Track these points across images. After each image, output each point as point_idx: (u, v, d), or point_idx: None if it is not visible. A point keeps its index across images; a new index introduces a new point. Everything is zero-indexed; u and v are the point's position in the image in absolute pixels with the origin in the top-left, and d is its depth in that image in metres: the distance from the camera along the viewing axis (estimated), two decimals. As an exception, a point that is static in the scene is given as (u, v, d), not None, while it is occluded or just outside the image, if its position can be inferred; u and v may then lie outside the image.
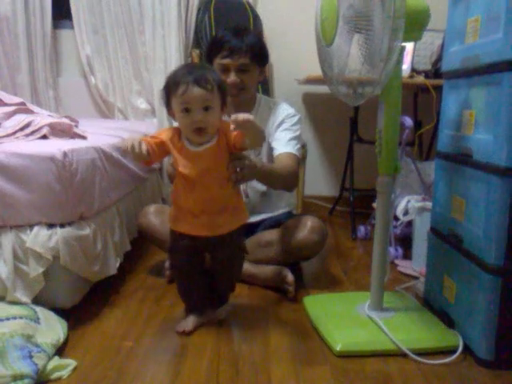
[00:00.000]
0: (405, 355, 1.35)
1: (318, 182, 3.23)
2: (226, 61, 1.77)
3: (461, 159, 1.50)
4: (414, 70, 2.70)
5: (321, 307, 1.61)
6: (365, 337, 1.41)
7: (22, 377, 1.10)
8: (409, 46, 2.63)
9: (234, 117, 1.24)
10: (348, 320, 1.51)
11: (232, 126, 1.27)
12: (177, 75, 1.31)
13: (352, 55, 1.44)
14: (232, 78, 1.77)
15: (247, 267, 1.81)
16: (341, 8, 1.38)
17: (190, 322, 1.49)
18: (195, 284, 1.53)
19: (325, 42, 1.47)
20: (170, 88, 1.31)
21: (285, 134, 1.89)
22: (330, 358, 1.35)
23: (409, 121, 2.11)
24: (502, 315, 1.30)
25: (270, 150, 1.92)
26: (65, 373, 1.21)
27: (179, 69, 1.35)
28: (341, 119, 3.01)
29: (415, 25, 1.36)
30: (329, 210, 3.14)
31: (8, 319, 1.28)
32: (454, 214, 1.52)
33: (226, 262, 1.52)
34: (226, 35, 1.77)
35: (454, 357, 1.34)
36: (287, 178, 1.80)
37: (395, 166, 1.48)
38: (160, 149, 1.36)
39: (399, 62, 1.41)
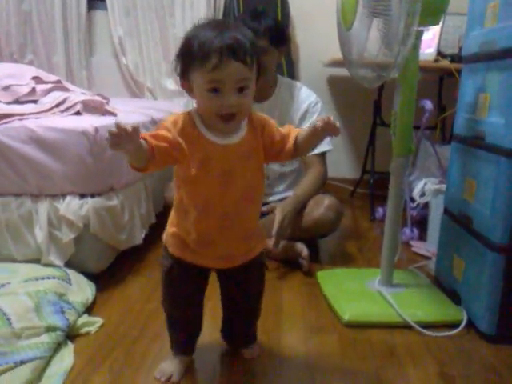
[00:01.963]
0: (410, 327, 1.42)
1: (340, 164, 3.27)
2: None
3: (474, 142, 1.53)
4: (440, 54, 2.70)
5: (333, 281, 1.69)
6: (372, 309, 1.48)
7: (54, 329, 1.22)
8: (435, 30, 2.63)
9: (323, 118, 1.00)
10: (358, 293, 1.58)
11: (319, 124, 1.00)
12: (203, 38, 0.92)
13: (371, 39, 1.49)
14: None
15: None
16: (360, -8, 1.43)
17: (176, 368, 1.15)
18: (194, 319, 1.19)
19: (344, 26, 1.52)
20: (193, 57, 0.93)
21: None
22: (338, 328, 1.43)
23: (429, 104, 2.14)
24: (505, 292, 1.35)
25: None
26: (92, 329, 1.33)
27: (204, 26, 0.96)
28: (365, 102, 3.04)
29: (433, 9, 1.40)
30: (350, 192, 3.19)
31: (43, 279, 1.40)
32: (466, 195, 1.57)
33: (252, 291, 1.20)
34: (244, 19, 1.82)
35: (457, 330, 1.40)
36: (319, 188, 1.95)
37: (409, 147, 1.53)
38: (164, 153, 0.96)
39: (416, 46, 1.46)
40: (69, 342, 1.25)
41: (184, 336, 1.19)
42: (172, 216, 1.10)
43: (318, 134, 1.02)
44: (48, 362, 1.14)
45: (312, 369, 1.22)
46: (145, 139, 0.92)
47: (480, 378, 1.22)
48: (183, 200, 1.03)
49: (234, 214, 1.03)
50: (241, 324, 1.25)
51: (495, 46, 1.42)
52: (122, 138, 0.83)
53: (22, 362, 1.07)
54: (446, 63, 2.56)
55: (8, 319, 1.17)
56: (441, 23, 2.56)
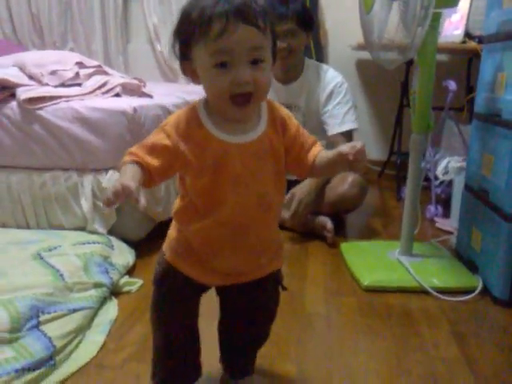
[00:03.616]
0: (427, 293, 1.51)
1: (368, 145, 3.28)
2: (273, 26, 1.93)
3: (492, 119, 1.60)
4: (468, 35, 2.72)
5: (355, 251, 1.79)
6: (391, 275, 1.58)
7: (100, 285, 1.37)
8: (463, 12, 2.65)
9: (351, 146, 0.81)
10: (378, 262, 1.67)
11: (345, 150, 0.81)
12: (204, 3, 0.75)
13: (390, 22, 1.56)
14: (280, 42, 1.92)
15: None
16: (381, -24, 1.51)
17: None
18: (189, 348, 0.96)
19: (365, 9, 1.60)
20: (193, 27, 0.76)
21: (339, 109, 2.05)
22: (358, 292, 1.53)
23: (453, 84, 2.19)
24: (518, 259, 1.43)
25: (318, 117, 2.08)
26: (133, 288, 1.48)
27: None
28: (392, 84, 3.09)
29: (450, -9, 1.47)
30: (378, 173, 3.25)
31: (89, 243, 1.56)
32: (484, 170, 1.63)
33: (260, 315, 0.98)
34: (273, 3, 1.92)
35: (472, 295, 1.48)
36: None
37: (427, 124, 1.60)
38: (164, 171, 0.81)
39: (435, 27, 1.52)
40: (113, 298, 1.40)
41: (176, 369, 0.95)
42: (174, 224, 0.91)
43: (340, 160, 0.82)
44: (96, 312, 1.30)
45: (329, 324, 1.33)
46: (138, 162, 0.77)
47: (490, 335, 1.31)
48: (188, 207, 0.85)
49: (247, 224, 0.84)
50: (240, 351, 1.02)
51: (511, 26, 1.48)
52: (120, 198, 0.68)
53: (75, 310, 1.23)
54: (472, 45, 2.58)
55: (61, 275, 1.32)
56: (467, 4, 2.60)
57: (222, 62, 0.74)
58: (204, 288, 0.93)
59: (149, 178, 0.78)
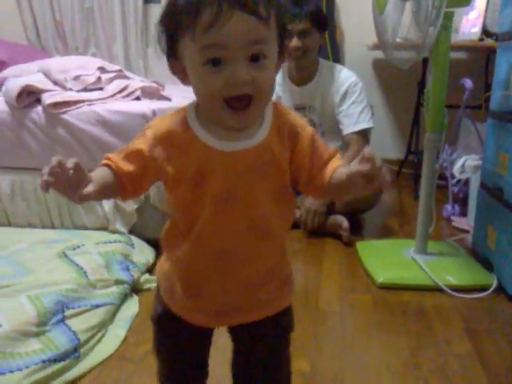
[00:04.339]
0: (441, 291, 1.52)
1: (386, 144, 3.34)
2: (288, 26, 1.96)
3: (507, 117, 1.60)
4: (486, 33, 2.71)
5: (371, 249, 1.81)
6: (405, 273, 1.60)
7: (122, 282, 1.43)
8: (480, 9, 2.65)
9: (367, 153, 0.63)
10: (393, 260, 1.70)
11: (356, 166, 0.64)
12: None
13: (403, 21, 1.58)
14: (294, 42, 1.95)
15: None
16: (393, -22, 1.53)
17: None
18: (195, 378, 0.85)
19: (378, 10, 1.62)
20: (179, 16, 0.63)
21: (354, 108, 2.07)
22: (372, 289, 1.56)
23: (469, 83, 2.18)
24: (532, 257, 1.43)
25: (333, 117, 2.10)
26: (154, 285, 1.53)
27: None
28: (409, 84, 3.08)
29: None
30: (395, 172, 3.26)
31: (111, 242, 1.62)
32: (499, 168, 1.64)
33: (266, 363, 0.79)
34: (287, 4, 1.95)
35: (486, 293, 1.49)
36: None
37: (441, 123, 1.62)
38: (139, 180, 0.70)
39: (447, 27, 1.54)
40: (134, 295, 1.46)
41: None
42: (163, 246, 0.77)
43: (352, 178, 0.65)
44: (118, 308, 1.36)
45: (343, 321, 1.36)
46: (109, 166, 0.68)
47: (502, 331, 1.32)
48: (173, 228, 0.74)
49: (235, 251, 0.70)
50: None
51: (525, 24, 1.48)
52: (59, 176, 0.58)
53: (98, 306, 1.29)
54: (489, 42, 2.57)
55: (84, 272, 1.39)
56: (485, 1, 2.59)
57: (213, 58, 0.61)
58: (208, 332, 0.79)
59: (120, 184, 0.68)
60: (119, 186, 0.69)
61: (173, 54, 0.68)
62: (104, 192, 0.66)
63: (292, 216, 0.76)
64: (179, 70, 0.69)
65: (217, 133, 0.67)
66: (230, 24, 0.59)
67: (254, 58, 0.62)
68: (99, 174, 0.66)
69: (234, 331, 0.79)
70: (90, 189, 0.62)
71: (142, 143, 0.69)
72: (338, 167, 0.71)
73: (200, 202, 0.68)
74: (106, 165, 0.68)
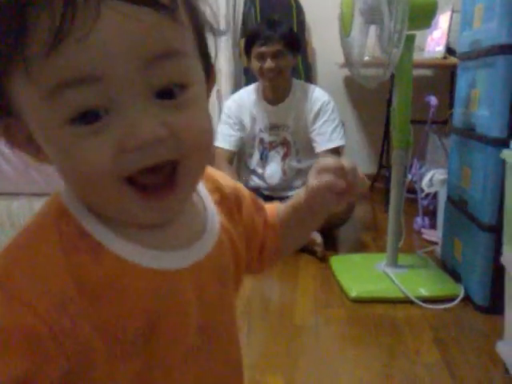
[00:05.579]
0: (411, 303, 1.57)
1: (358, 159, 3.41)
2: (262, 48, 2.02)
3: (468, 133, 1.68)
4: (449, 51, 2.82)
5: (344, 264, 1.86)
6: (377, 286, 1.65)
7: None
8: (444, 29, 2.76)
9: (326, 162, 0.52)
10: (365, 274, 1.74)
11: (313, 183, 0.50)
12: None
13: (368, 44, 1.66)
14: (268, 63, 2.01)
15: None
16: (356, 3, 1.60)
17: None
18: None
19: (344, 33, 1.69)
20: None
21: (326, 127, 2.13)
22: (345, 303, 1.60)
23: (434, 100, 2.28)
24: (496, 267, 1.49)
25: (306, 135, 2.16)
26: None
27: None
28: (378, 100, 3.18)
29: (422, 15, 1.56)
30: (368, 187, 3.33)
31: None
32: (463, 182, 1.71)
33: None
34: (261, 27, 2.02)
35: (454, 303, 1.55)
36: None
37: (407, 140, 1.68)
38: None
39: (410, 48, 1.61)
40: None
41: None
42: None
43: (314, 192, 0.51)
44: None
45: (318, 335, 1.40)
46: None
47: (470, 340, 1.37)
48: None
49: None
50: None
51: (480, 45, 1.57)
52: None
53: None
54: (453, 60, 2.68)
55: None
56: (447, 22, 2.71)
57: (84, 111, 0.34)
58: None
59: None
60: None
61: (3, 106, 0.37)
62: None
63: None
64: (22, 140, 0.39)
65: (148, 240, 0.40)
66: (103, 26, 0.32)
67: (165, 92, 0.36)
68: None
69: None
70: None
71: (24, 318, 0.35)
72: (277, 206, 0.58)
73: (158, 368, 0.41)
74: None
